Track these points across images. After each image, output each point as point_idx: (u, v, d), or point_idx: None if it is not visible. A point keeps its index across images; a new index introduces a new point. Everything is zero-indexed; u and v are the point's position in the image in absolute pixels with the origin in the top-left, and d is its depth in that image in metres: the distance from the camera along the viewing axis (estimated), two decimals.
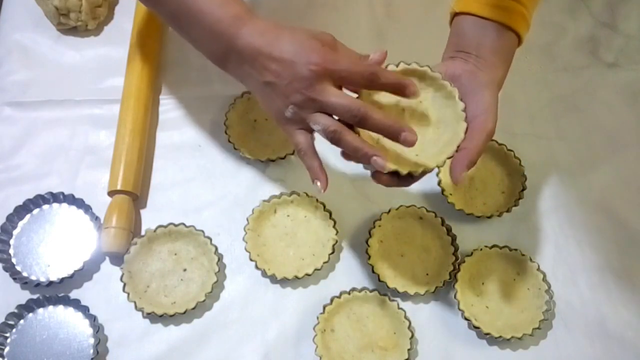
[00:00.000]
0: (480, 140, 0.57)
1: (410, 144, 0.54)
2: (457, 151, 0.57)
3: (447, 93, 0.58)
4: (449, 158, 0.57)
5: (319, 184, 0.58)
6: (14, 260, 0.70)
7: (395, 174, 0.56)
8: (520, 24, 0.61)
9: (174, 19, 0.63)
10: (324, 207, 0.72)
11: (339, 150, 0.77)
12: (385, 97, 0.59)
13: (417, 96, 0.56)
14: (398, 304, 0.67)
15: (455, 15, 0.63)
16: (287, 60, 0.55)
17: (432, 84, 0.59)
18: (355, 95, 0.58)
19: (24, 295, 0.69)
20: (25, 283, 0.69)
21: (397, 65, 0.59)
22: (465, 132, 0.57)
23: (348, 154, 0.58)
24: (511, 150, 0.75)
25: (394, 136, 0.55)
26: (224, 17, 0.59)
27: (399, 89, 0.56)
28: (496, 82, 0.61)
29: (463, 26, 0.62)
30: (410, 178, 0.58)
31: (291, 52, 0.56)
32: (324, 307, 0.67)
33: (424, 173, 0.58)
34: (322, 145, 0.77)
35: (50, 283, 0.68)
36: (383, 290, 0.68)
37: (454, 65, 0.61)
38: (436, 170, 0.73)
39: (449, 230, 0.71)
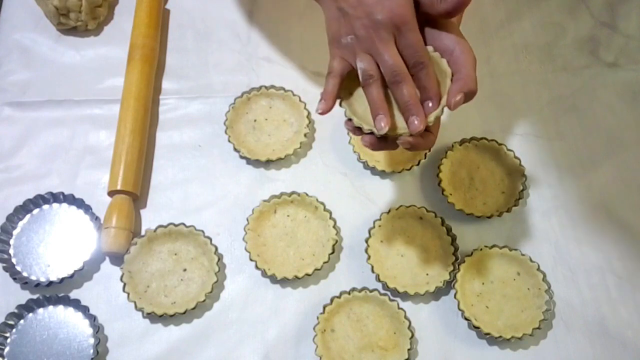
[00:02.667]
0: (469, 68, 0.57)
1: (413, 130, 0.55)
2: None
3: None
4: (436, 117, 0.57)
5: (322, 105, 0.58)
6: (14, 260, 0.70)
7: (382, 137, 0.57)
8: None
9: None
10: (324, 207, 0.72)
11: (338, 150, 0.77)
12: None
13: (430, 120, 0.56)
14: (398, 304, 0.67)
15: None
16: (368, 3, 0.56)
17: None
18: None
19: (24, 295, 0.69)
20: (25, 283, 0.69)
21: None
22: (451, 79, 0.57)
23: (352, 128, 0.58)
24: (511, 150, 0.75)
25: (407, 114, 0.56)
26: None
27: (427, 94, 0.57)
28: (453, 24, 0.60)
29: None
30: (395, 141, 0.58)
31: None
32: (324, 307, 0.67)
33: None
34: (324, 146, 0.78)
35: (50, 283, 0.68)
36: (383, 290, 0.68)
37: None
38: (437, 171, 0.74)
39: (449, 230, 0.71)
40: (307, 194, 0.73)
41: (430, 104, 0.56)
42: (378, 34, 0.56)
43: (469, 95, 0.56)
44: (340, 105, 0.59)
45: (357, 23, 0.57)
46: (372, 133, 0.57)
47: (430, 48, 0.58)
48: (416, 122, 0.55)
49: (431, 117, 0.56)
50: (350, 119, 0.58)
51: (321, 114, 0.58)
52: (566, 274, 0.71)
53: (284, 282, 0.70)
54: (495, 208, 0.73)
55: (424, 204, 0.73)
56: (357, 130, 0.58)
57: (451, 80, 0.56)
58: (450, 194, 0.72)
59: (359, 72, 0.57)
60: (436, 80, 0.57)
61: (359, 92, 0.59)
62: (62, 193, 0.73)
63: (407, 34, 0.56)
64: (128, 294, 0.67)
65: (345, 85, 0.59)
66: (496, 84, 0.82)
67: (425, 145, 0.58)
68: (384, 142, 0.58)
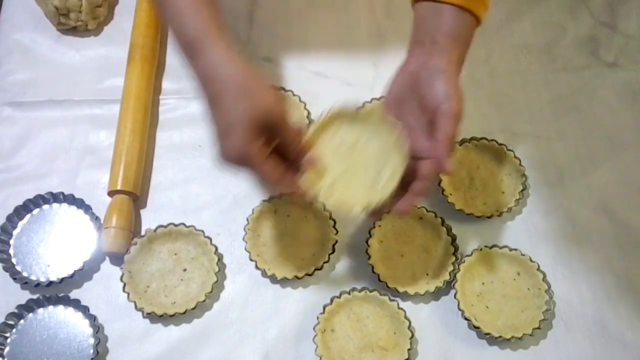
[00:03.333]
0: (449, 126, 0.57)
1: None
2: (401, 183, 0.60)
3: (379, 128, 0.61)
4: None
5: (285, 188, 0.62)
6: (14, 260, 0.70)
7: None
8: (477, 4, 0.61)
9: (164, 16, 0.64)
10: (324, 207, 0.72)
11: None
12: (330, 140, 0.63)
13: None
14: (398, 304, 0.67)
15: (414, 2, 0.63)
16: (216, 133, 0.57)
17: (367, 120, 0.62)
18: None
19: (24, 295, 0.69)
20: (25, 283, 0.69)
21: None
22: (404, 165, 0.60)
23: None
24: (511, 150, 0.75)
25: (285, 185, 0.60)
26: (195, 22, 0.59)
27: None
28: (453, 63, 0.60)
29: (421, 12, 0.62)
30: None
31: (219, 132, 0.57)
32: (324, 307, 0.67)
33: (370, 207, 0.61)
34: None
35: (50, 283, 0.68)
36: (383, 290, 0.68)
37: (411, 63, 0.61)
38: None
39: (449, 230, 0.71)
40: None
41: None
42: (232, 166, 0.57)
43: (449, 154, 0.57)
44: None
45: (222, 145, 0.57)
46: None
47: (395, 132, 0.60)
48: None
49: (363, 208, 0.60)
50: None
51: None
52: (566, 274, 0.71)
53: (284, 282, 0.70)
54: (495, 208, 0.73)
55: (424, 204, 0.73)
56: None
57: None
58: (450, 194, 0.72)
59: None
60: (292, 185, 0.60)
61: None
62: (62, 193, 0.73)
63: (256, 170, 0.57)
64: (128, 294, 0.67)
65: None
66: (496, 84, 0.82)
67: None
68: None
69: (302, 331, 0.68)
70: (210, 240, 0.70)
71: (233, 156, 0.56)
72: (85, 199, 0.73)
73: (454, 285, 0.68)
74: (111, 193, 0.72)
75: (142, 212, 0.74)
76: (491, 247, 0.70)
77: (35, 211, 0.73)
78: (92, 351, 0.65)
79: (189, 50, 0.59)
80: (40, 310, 0.68)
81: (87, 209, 0.73)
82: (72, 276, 0.68)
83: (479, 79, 0.82)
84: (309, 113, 0.77)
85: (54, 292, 0.68)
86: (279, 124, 0.57)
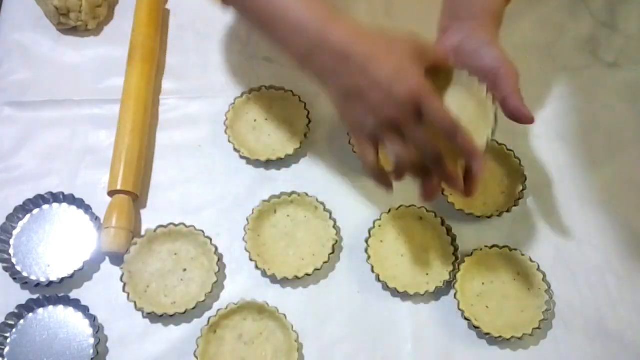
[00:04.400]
0: (515, 84, 0.58)
1: (468, 195, 0.58)
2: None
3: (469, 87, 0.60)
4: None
5: (386, 189, 0.61)
6: (14, 260, 0.70)
7: None
8: None
9: (260, 20, 0.62)
10: (324, 207, 0.72)
11: (338, 150, 0.77)
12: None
13: (481, 175, 0.57)
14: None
15: None
16: (382, 83, 0.54)
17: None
18: None
19: (24, 295, 0.69)
20: (25, 283, 0.69)
21: None
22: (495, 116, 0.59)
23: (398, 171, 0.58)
24: (511, 150, 0.75)
25: (452, 187, 0.58)
26: (311, 13, 0.57)
27: (467, 157, 0.57)
28: (496, 32, 0.61)
29: None
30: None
31: (388, 77, 0.54)
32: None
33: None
34: (324, 146, 0.78)
35: (50, 283, 0.68)
36: (383, 290, 0.68)
37: (452, 35, 0.61)
38: None
39: (449, 230, 0.71)
40: (307, 194, 0.73)
41: (475, 163, 0.56)
42: (403, 116, 0.54)
43: (522, 101, 0.58)
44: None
45: (377, 107, 0.55)
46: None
47: (465, 73, 0.58)
48: (464, 194, 0.57)
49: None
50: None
51: (391, 192, 0.61)
52: (566, 274, 0.71)
53: (284, 282, 0.70)
54: (495, 208, 0.73)
55: (424, 204, 0.73)
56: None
57: (493, 101, 0.57)
58: (450, 194, 0.72)
59: (392, 158, 0.56)
60: (469, 142, 0.56)
61: None
62: (62, 193, 0.73)
63: (431, 107, 0.54)
64: (128, 294, 0.67)
65: None
66: None
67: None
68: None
69: (302, 331, 0.68)
70: (210, 240, 0.70)
71: (412, 90, 0.53)
72: (85, 199, 0.73)
73: (454, 285, 0.68)
74: (111, 193, 0.72)
75: (142, 212, 0.74)
76: (491, 247, 0.70)
77: (35, 211, 0.73)
78: (92, 351, 0.65)
79: (312, 34, 0.57)
80: (40, 310, 0.68)
81: (87, 209, 0.73)
82: (72, 276, 0.68)
83: None
84: (308, 113, 0.77)
85: (54, 292, 0.68)
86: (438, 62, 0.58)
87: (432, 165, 0.56)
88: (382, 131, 0.56)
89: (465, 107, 0.60)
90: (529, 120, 0.56)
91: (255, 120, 0.78)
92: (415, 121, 0.54)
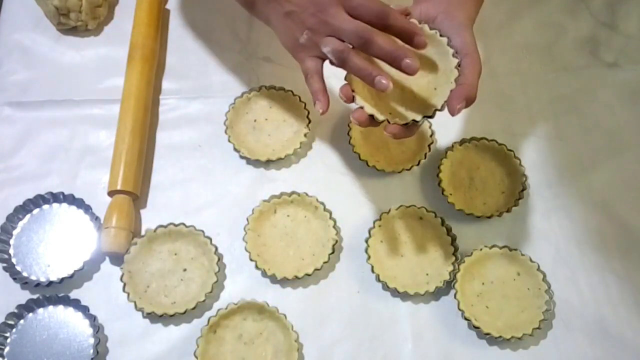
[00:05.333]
0: (473, 77, 0.57)
1: (412, 70, 0.54)
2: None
3: (436, 43, 0.59)
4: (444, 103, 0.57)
5: (319, 105, 0.59)
6: (14, 260, 0.70)
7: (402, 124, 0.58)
8: None
9: None
10: (324, 207, 0.72)
11: (338, 150, 0.77)
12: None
13: (424, 47, 0.56)
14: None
15: None
16: None
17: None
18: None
19: (24, 295, 0.69)
20: (25, 283, 0.69)
21: None
22: (458, 67, 0.58)
23: (363, 119, 0.58)
24: (511, 150, 0.75)
25: (397, 62, 0.55)
26: None
27: (407, 35, 0.56)
28: (472, 18, 0.61)
29: None
30: (414, 125, 0.58)
31: None
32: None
33: (425, 117, 0.58)
34: (324, 146, 0.78)
35: (50, 283, 0.68)
36: (383, 290, 0.68)
37: (428, 7, 0.61)
38: (437, 171, 0.74)
39: (449, 230, 0.71)
40: (307, 194, 0.73)
41: (416, 38, 0.56)
42: (327, 13, 0.57)
43: (468, 102, 0.57)
44: (354, 100, 0.59)
45: (304, 16, 0.58)
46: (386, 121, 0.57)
47: (433, 31, 0.58)
48: (409, 61, 0.54)
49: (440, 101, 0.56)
50: (361, 107, 0.58)
51: (322, 113, 0.58)
52: (566, 274, 0.71)
53: (284, 282, 0.70)
54: (495, 208, 0.73)
55: (424, 204, 0.73)
56: (368, 120, 0.58)
57: (457, 66, 0.57)
58: (450, 194, 0.72)
59: (329, 55, 0.57)
60: (405, 20, 0.56)
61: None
62: (62, 193, 0.73)
63: (353, 2, 0.56)
64: (128, 294, 0.67)
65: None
66: (496, 84, 0.81)
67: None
68: (406, 128, 0.58)
69: (302, 331, 0.68)
70: (210, 240, 0.70)
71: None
72: (85, 199, 0.73)
73: (454, 285, 0.68)
74: (111, 193, 0.72)
75: (142, 212, 0.74)
76: (491, 247, 0.70)
77: (35, 211, 0.73)
78: (92, 351, 0.65)
79: None
80: (40, 310, 0.68)
81: (87, 209, 0.73)
82: (72, 276, 0.68)
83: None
84: (309, 113, 0.77)
85: (54, 292, 0.68)
86: None
87: (364, 48, 0.56)
88: (315, 37, 0.58)
89: (431, 63, 0.60)
90: (450, 112, 0.56)
91: (255, 120, 0.78)
92: (338, 16, 0.57)
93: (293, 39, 0.60)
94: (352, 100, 0.58)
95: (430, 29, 0.59)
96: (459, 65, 0.58)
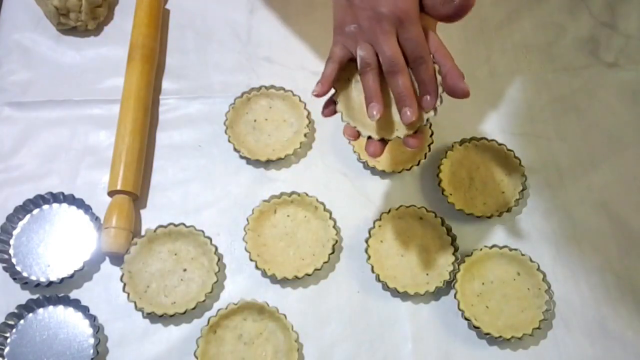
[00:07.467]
0: (451, 62, 0.57)
1: (405, 120, 0.56)
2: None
3: None
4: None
5: (317, 88, 0.59)
6: (14, 260, 0.70)
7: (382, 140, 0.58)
8: None
9: None
10: (324, 207, 0.72)
11: (338, 150, 0.77)
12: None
13: (429, 108, 0.57)
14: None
15: None
16: None
17: None
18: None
19: (24, 295, 0.69)
20: (25, 283, 0.69)
21: None
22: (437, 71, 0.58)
23: (351, 132, 0.58)
24: (511, 150, 0.75)
25: (400, 104, 0.56)
26: None
27: (424, 90, 0.57)
28: (431, 26, 0.61)
29: None
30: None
31: None
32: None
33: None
34: (324, 146, 0.78)
35: (50, 283, 0.68)
36: (383, 290, 0.68)
37: None
38: (437, 171, 0.74)
39: (449, 230, 0.71)
40: (307, 194, 0.73)
41: (429, 98, 0.56)
42: (380, 26, 0.57)
43: (462, 77, 0.57)
44: (335, 104, 0.59)
45: (362, 14, 0.58)
46: (370, 138, 0.57)
47: None
48: (409, 113, 0.55)
49: (430, 113, 0.56)
50: (348, 123, 0.58)
51: (316, 96, 0.58)
52: (566, 274, 0.71)
53: (284, 282, 0.70)
54: (495, 208, 0.73)
55: (424, 204, 0.73)
56: (357, 134, 0.59)
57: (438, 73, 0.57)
58: (450, 194, 0.72)
59: (358, 59, 0.58)
60: (435, 76, 0.57)
61: (357, 87, 0.59)
62: (62, 193, 0.73)
63: (409, 28, 0.57)
64: (128, 294, 0.67)
65: (343, 85, 0.60)
66: (496, 84, 0.81)
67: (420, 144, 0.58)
68: (385, 146, 0.58)
69: (302, 331, 0.68)
70: (210, 240, 0.70)
71: (403, 8, 0.56)
72: (85, 199, 0.73)
73: (454, 285, 0.68)
74: (111, 193, 0.72)
75: (142, 212, 0.74)
76: (491, 247, 0.70)
77: (35, 211, 0.73)
78: (92, 351, 0.65)
79: None
80: (40, 310, 0.68)
81: (87, 209, 0.73)
82: (72, 276, 0.68)
83: (479, 78, 0.82)
84: (309, 113, 0.77)
85: (54, 292, 0.68)
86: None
87: (388, 76, 0.57)
88: (359, 35, 0.58)
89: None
90: (464, 93, 0.56)
91: (255, 120, 0.78)
92: (388, 35, 0.57)
93: (342, 20, 0.60)
94: (358, 137, 0.59)
95: None
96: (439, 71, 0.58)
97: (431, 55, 0.57)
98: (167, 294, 0.69)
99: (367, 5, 0.58)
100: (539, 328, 0.66)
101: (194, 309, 0.67)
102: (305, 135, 0.76)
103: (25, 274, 0.70)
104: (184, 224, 0.71)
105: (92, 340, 0.66)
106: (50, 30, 0.85)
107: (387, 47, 0.57)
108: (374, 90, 0.57)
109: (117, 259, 0.71)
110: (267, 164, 0.76)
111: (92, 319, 0.67)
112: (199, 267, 0.70)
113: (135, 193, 0.73)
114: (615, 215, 0.74)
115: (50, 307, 0.68)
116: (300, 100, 0.78)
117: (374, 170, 0.75)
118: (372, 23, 0.57)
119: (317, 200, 0.72)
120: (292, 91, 0.79)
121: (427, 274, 0.70)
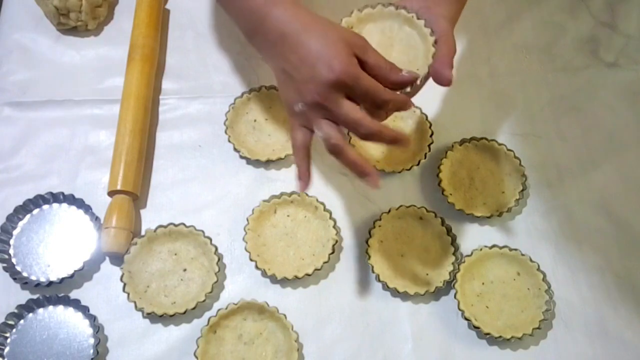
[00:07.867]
0: (449, 52, 0.57)
1: (364, 174, 0.56)
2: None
3: (413, 25, 0.61)
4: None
5: (300, 186, 0.59)
6: (14, 260, 0.70)
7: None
8: None
9: None
10: (324, 207, 0.72)
11: None
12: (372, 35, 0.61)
13: (405, 146, 0.57)
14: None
15: None
16: (309, 58, 0.55)
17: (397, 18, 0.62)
18: None
19: (24, 295, 0.69)
20: (25, 283, 0.69)
21: (360, 11, 0.62)
22: (434, 45, 0.59)
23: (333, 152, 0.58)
24: (511, 150, 0.75)
25: (359, 177, 0.57)
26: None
27: (391, 142, 0.56)
28: (451, 16, 0.61)
29: None
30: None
31: (315, 52, 0.54)
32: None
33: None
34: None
35: (50, 283, 0.68)
36: (383, 290, 0.68)
37: (412, 2, 0.62)
38: (437, 171, 0.74)
39: (449, 230, 0.71)
40: (307, 194, 0.73)
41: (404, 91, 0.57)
42: (327, 98, 0.54)
43: (450, 66, 0.58)
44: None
45: (303, 89, 0.55)
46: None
47: (410, 15, 0.60)
48: (370, 181, 0.56)
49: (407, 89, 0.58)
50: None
51: (303, 191, 0.59)
52: (566, 274, 0.71)
53: (284, 282, 0.70)
54: (495, 208, 0.73)
55: (424, 204, 0.73)
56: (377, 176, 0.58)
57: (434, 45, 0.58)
58: (450, 194, 0.72)
59: (323, 141, 0.56)
60: (398, 103, 0.57)
61: None
62: (62, 193, 0.73)
63: (358, 85, 0.54)
64: (128, 294, 0.67)
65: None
66: (496, 84, 0.82)
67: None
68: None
69: (302, 331, 0.68)
70: (210, 240, 0.70)
71: (341, 70, 0.53)
72: (85, 199, 0.73)
73: (454, 285, 0.68)
74: (111, 193, 0.72)
75: (142, 212, 0.74)
76: (491, 247, 0.70)
77: (35, 211, 0.73)
78: (92, 351, 0.65)
79: (256, 14, 0.58)
80: (40, 310, 0.68)
81: (87, 209, 0.73)
82: (72, 276, 0.68)
83: (479, 78, 0.82)
84: None
85: (54, 292, 0.68)
86: (366, 53, 0.56)
87: (365, 140, 0.56)
88: (310, 114, 0.56)
89: (409, 38, 0.61)
90: (447, 81, 0.56)
91: (255, 120, 0.78)
92: (339, 103, 0.54)
93: (288, 99, 0.58)
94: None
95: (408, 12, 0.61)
96: (435, 42, 0.58)
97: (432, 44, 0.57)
98: (167, 294, 0.69)
99: (306, 75, 0.54)
100: (539, 328, 0.66)
101: (194, 309, 0.67)
102: None
103: (25, 274, 0.70)
104: (184, 224, 0.71)
105: (92, 340, 0.66)
106: (50, 30, 0.85)
107: (347, 115, 0.54)
108: (359, 163, 0.56)
109: (117, 259, 0.71)
110: (267, 164, 0.76)
111: (92, 319, 0.67)
112: (199, 267, 0.70)
113: (135, 193, 0.73)
114: (616, 215, 0.74)
115: (50, 307, 0.68)
116: None
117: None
118: (316, 98, 0.54)
119: (317, 200, 0.72)
120: None
121: (427, 274, 0.70)
